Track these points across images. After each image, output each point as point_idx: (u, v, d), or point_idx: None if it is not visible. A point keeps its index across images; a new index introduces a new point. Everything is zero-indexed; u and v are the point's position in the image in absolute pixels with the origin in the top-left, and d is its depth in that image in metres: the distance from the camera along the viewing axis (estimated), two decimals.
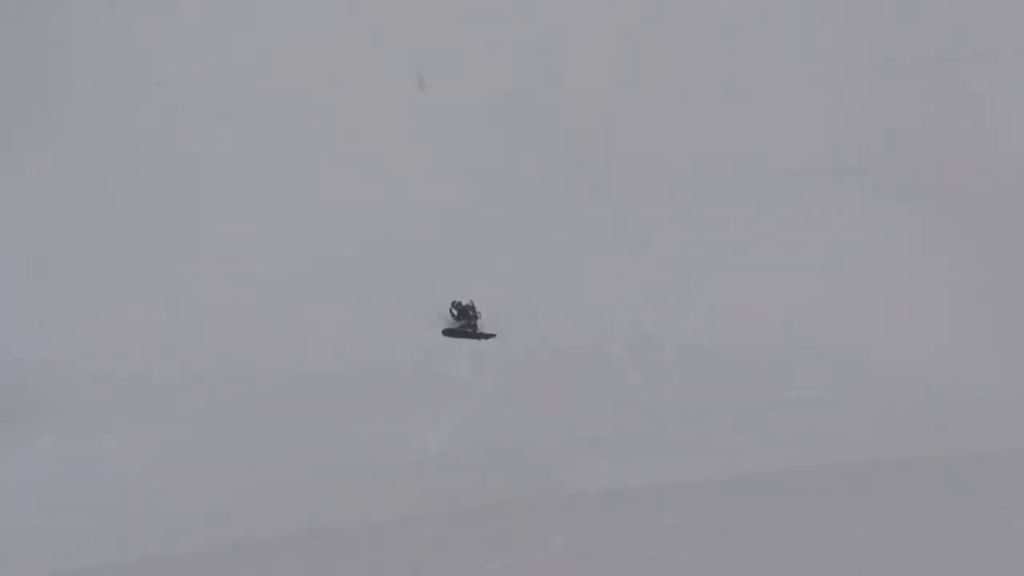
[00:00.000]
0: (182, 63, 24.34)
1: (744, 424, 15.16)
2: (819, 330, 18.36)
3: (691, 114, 24.85)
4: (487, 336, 20.46)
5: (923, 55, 25.52)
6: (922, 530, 6.57)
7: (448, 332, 20.81)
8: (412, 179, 23.02)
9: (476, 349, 19.59)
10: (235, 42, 25.13)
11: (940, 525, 6.68)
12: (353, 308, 20.44)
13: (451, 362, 18.82)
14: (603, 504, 10.17)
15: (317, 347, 18.34)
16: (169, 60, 24.37)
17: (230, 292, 19.06)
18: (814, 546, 6.68)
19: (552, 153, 24.26)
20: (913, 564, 6.28)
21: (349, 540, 9.70)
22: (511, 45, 26.09)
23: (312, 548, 9.96)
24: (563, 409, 16.25)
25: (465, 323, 20.26)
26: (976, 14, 25.84)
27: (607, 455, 14.00)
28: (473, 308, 20.32)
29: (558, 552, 7.42)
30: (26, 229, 20.43)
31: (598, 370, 17.86)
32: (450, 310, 20.21)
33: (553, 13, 26.77)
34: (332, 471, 14.67)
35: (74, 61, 24.78)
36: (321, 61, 24.58)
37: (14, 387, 17.17)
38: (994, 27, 25.71)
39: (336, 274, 20.19)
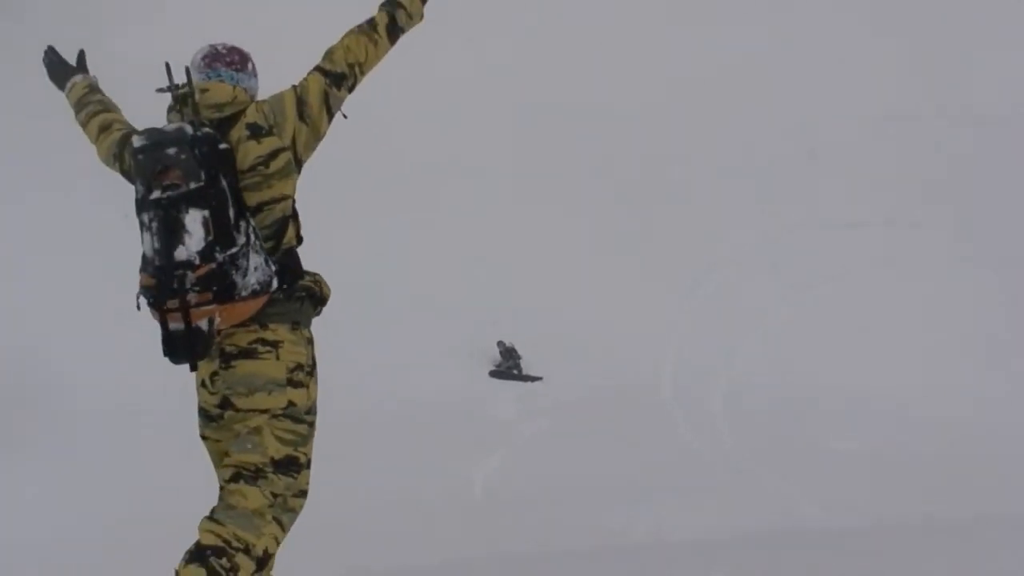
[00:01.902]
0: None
1: (793, 474, 14.99)
2: (868, 381, 18.25)
3: (745, 159, 24.90)
4: (534, 379, 20.43)
5: (975, 107, 25.46)
6: None
7: (495, 374, 20.81)
8: (459, 219, 23.29)
9: (522, 391, 19.59)
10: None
11: None
12: (400, 349, 20.56)
13: (497, 404, 18.85)
14: (650, 556, 10.09)
15: (363, 387, 18.40)
16: None
17: None
18: None
19: (600, 195, 24.33)
20: None
21: None
22: (553, 89, 26.30)
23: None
24: (608, 454, 16.15)
25: (511, 364, 20.26)
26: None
27: (653, 502, 13.86)
28: (515, 350, 20.33)
29: None
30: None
31: (644, 415, 17.78)
32: (497, 345, 20.24)
33: (595, 50, 26.98)
34: (374, 512, 14.72)
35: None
36: (370, 109, 24.89)
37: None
38: None
39: (382, 314, 20.32)
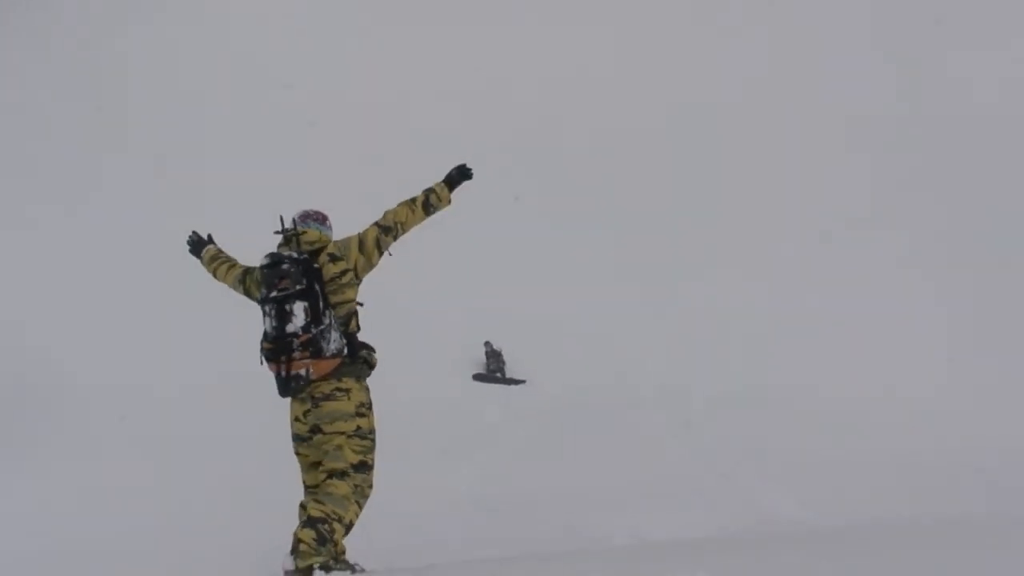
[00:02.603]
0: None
1: (773, 477, 15.07)
2: (848, 386, 18.33)
3: (727, 169, 25.04)
4: (517, 382, 20.48)
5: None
6: None
7: (479, 377, 20.86)
8: (446, 227, 23.17)
9: (506, 395, 19.63)
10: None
11: None
12: (383, 353, 20.42)
13: (481, 408, 18.89)
14: (634, 557, 10.08)
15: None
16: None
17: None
18: None
19: (582, 202, 24.43)
20: None
21: None
22: (538, 88, 26.43)
23: None
24: (591, 458, 16.21)
25: (496, 367, 20.33)
26: None
27: (635, 505, 13.91)
28: (501, 354, 20.40)
29: None
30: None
31: (626, 419, 17.86)
32: (484, 346, 20.29)
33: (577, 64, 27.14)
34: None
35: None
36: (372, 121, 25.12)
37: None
38: None
39: (366, 319, 20.33)
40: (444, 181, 7.61)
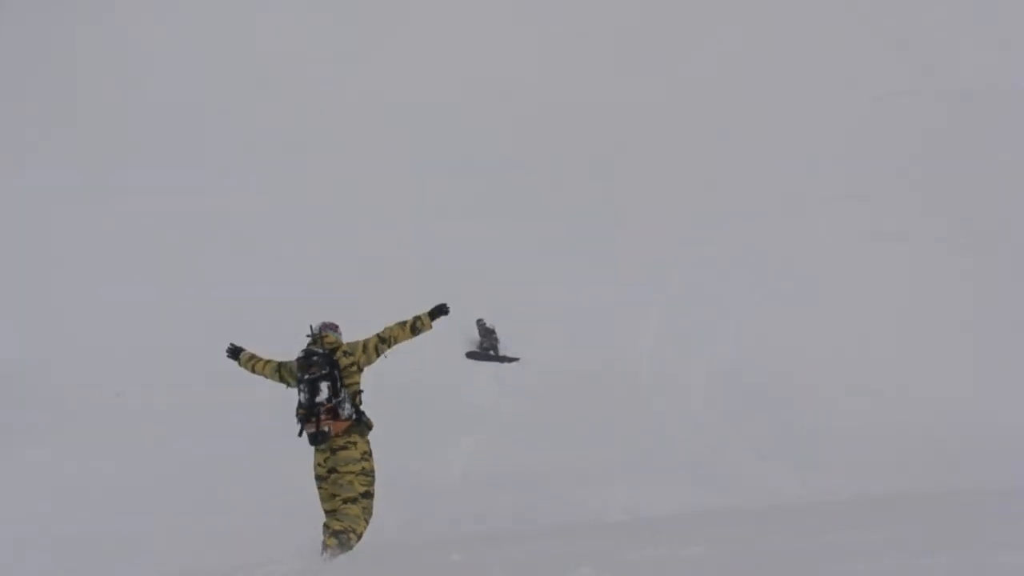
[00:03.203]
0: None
1: (769, 451, 15.18)
2: (844, 360, 18.31)
3: (723, 141, 25.06)
4: (510, 359, 20.53)
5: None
6: (952, 563, 6.57)
7: (472, 355, 20.91)
8: (441, 208, 23.42)
9: (499, 373, 19.69)
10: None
11: (968, 559, 6.68)
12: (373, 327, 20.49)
13: (474, 386, 18.95)
14: (627, 532, 10.16)
15: None
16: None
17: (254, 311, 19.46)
18: None
19: (575, 180, 24.47)
20: None
21: (376, 561, 9.77)
22: (538, 70, 26.49)
23: (341, 568, 10.06)
24: (585, 434, 16.29)
25: (489, 345, 20.37)
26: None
27: (630, 480, 14.00)
28: (494, 332, 20.44)
29: None
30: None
31: (621, 396, 17.89)
32: (477, 324, 20.35)
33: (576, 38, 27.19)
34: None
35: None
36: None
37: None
38: None
39: (359, 298, 20.45)
40: (428, 313, 9.87)
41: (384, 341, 9.52)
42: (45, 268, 21.51)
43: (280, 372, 9.68)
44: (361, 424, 9.34)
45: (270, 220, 23.13)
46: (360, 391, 9.45)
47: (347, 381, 9.25)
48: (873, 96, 25.73)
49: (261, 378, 9.99)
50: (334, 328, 9.54)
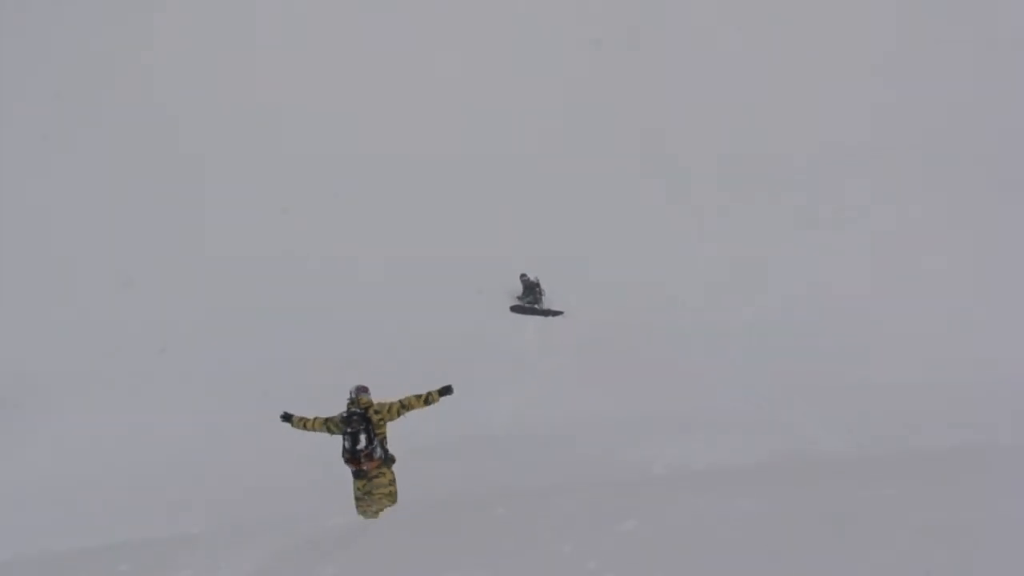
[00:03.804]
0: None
1: (814, 406, 15.10)
2: (890, 314, 18.17)
3: (760, 95, 24.84)
4: (555, 313, 20.55)
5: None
6: (989, 517, 6.54)
7: (516, 308, 20.94)
8: (490, 160, 23.60)
9: (543, 327, 19.75)
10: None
11: (1005, 512, 6.66)
12: (421, 286, 20.89)
13: (518, 339, 19.04)
14: (673, 486, 10.19)
15: (385, 324, 18.67)
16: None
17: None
18: (884, 531, 6.67)
19: (618, 135, 24.38)
20: (985, 549, 6.24)
21: (419, 516, 9.89)
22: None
23: (387, 523, 10.20)
24: (629, 389, 16.32)
25: (533, 298, 20.40)
26: None
27: (675, 435, 14.00)
28: (539, 285, 20.47)
29: (629, 534, 7.48)
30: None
31: (665, 351, 17.91)
32: (520, 278, 20.44)
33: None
34: (402, 446, 15.07)
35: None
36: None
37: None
38: None
39: (404, 253, 20.61)
40: (439, 391, 11.51)
41: (404, 407, 11.58)
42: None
43: (327, 425, 11.89)
44: (388, 460, 11.61)
45: None
46: (385, 436, 11.75)
47: (377, 432, 11.50)
48: None
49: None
50: (366, 390, 11.76)
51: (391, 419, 11.52)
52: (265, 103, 25.02)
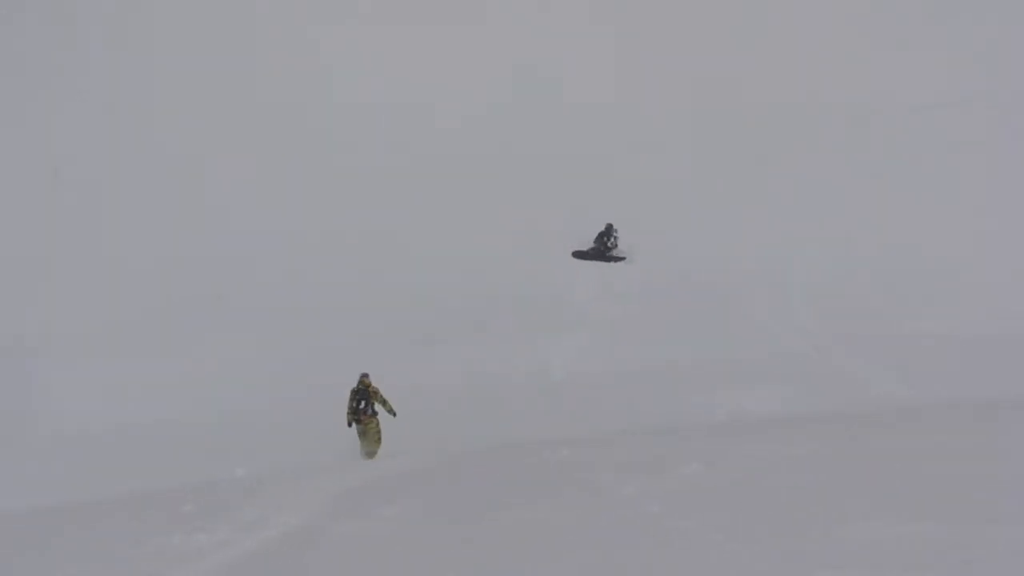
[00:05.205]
0: None
1: (875, 355, 15.18)
2: (951, 264, 17.92)
3: (820, 50, 24.52)
4: (617, 259, 20.56)
5: None
6: None
7: (578, 254, 20.97)
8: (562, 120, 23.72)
9: (605, 273, 19.83)
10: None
11: None
12: (484, 234, 21.08)
13: (580, 286, 19.17)
14: (733, 432, 10.36)
15: (448, 273, 18.93)
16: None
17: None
18: (939, 480, 6.79)
19: (678, 94, 24.24)
20: None
21: (489, 455, 10.16)
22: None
23: (444, 461, 10.47)
24: (688, 338, 16.43)
25: (599, 245, 20.39)
26: None
27: (734, 383, 14.15)
28: (611, 232, 20.39)
29: (690, 479, 7.68)
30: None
31: (725, 300, 17.86)
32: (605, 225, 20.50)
33: None
34: (455, 393, 15.69)
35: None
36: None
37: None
38: None
39: (471, 194, 20.86)
40: (392, 413, 15.02)
41: (379, 401, 15.04)
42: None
43: (351, 397, 15.24)
44: (376, 416, 15.14)
45: None
46: (374, 403, 15.15)
47: (372, 400, 15.04)
48: None
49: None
50: (367, 375, 15.28)
51: (375, 398, 15.21)
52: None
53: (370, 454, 15.47)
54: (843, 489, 7.05)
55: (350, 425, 15.29)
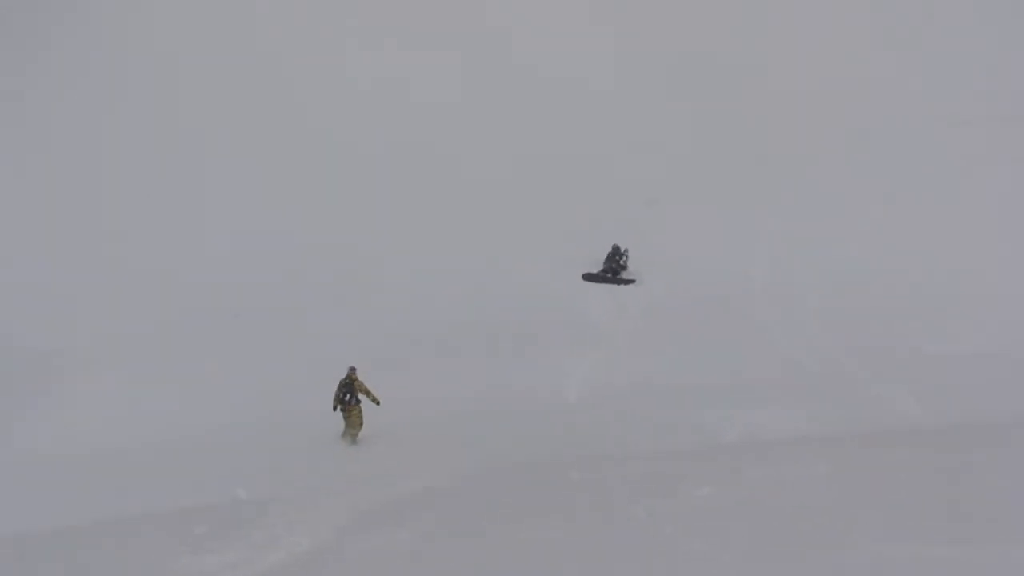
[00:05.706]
0: None
1: (889, 375, 14.98)
2: (966, 284, 17.72)
3: (845, 61, 24.54)
4: (627, 282, 20.52)
5: None
6: None
7: (589, 277, 20.95)
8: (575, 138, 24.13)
9: (616, 293, 19.78)
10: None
11: None
12: (494, 254, 21.10)
13: (592, 306, 19.12)
14: (745, 452, 10.30)
15: (461, 294, 18.98)
16: None
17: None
18: (949, 500, 6.73)
19: (693, 111, 24.26)
20: None
21: (498, 477, 10.12)
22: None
23: (457, 483, 10.42)
24: (701, 357, 16.34)
25: (608, 268, 20.35)
26: None
27: (749, 403, 14.04)
28: (619, 253, 20.36)
29: (704, 501, 7.63)
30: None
31: (738, 320, 17.76)
32: (612, 247, 20.49)
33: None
34: (467, 415, 15.64)
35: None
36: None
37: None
38: None
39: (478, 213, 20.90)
40: (375, 401, 16.21)
41: (363, 392, 16.24)
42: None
43: (338, 387, 16.36)
44: (359, 404, 16.14)
45: None
46: (358, 393, 16.21)
47: (356, 391, 16.14)
48: None
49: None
50: (354, 368, 16.46)
51: (360, 390, 16.25)
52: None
53: (352, 436, 16.58)
54: (853, 509, 7.04)
55: (335, 409, 16.46)
